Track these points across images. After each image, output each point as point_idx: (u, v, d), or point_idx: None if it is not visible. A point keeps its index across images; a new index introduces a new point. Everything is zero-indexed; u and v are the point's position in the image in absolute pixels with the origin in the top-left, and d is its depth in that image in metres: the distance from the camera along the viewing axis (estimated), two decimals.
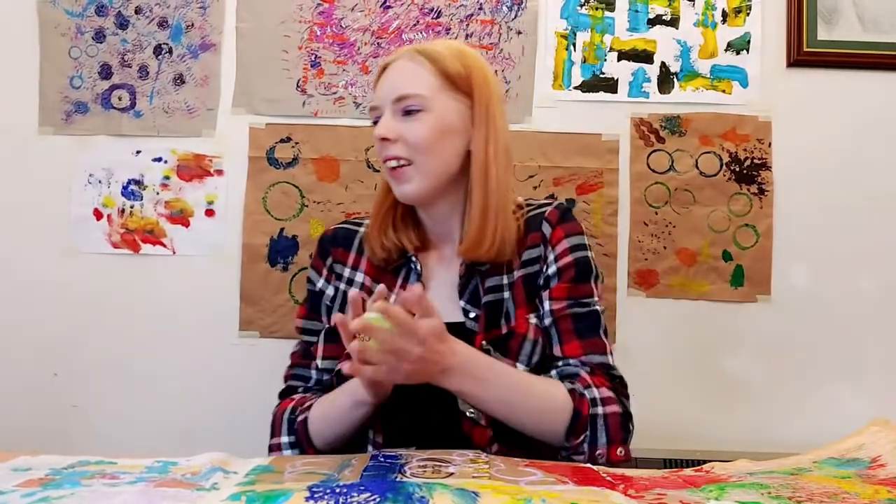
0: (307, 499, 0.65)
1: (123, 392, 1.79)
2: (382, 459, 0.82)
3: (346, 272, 1.19)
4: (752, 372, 1.79)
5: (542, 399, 1.02)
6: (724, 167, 1.82)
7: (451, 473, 0.76)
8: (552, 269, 1.11)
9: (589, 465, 0.85)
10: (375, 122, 1.12)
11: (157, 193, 1.82)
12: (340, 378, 1.10)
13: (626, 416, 1.05)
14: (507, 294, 1.11)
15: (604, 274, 1.80)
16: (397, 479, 0.72)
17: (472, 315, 1.10)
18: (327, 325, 1.19)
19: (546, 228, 1.14)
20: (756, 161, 1.82)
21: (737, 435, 1.76)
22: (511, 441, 1.03)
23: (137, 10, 1.84)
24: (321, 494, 0.66)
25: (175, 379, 1.79)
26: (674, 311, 1.80)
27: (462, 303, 1.11)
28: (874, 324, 1.79)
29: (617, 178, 1.82)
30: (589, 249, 1.15)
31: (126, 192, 1.82)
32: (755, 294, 1.80)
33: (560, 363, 1.08)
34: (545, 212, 1.16)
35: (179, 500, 0.67)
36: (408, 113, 1.08)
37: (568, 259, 1.11)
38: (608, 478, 0.76)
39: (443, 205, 1.15)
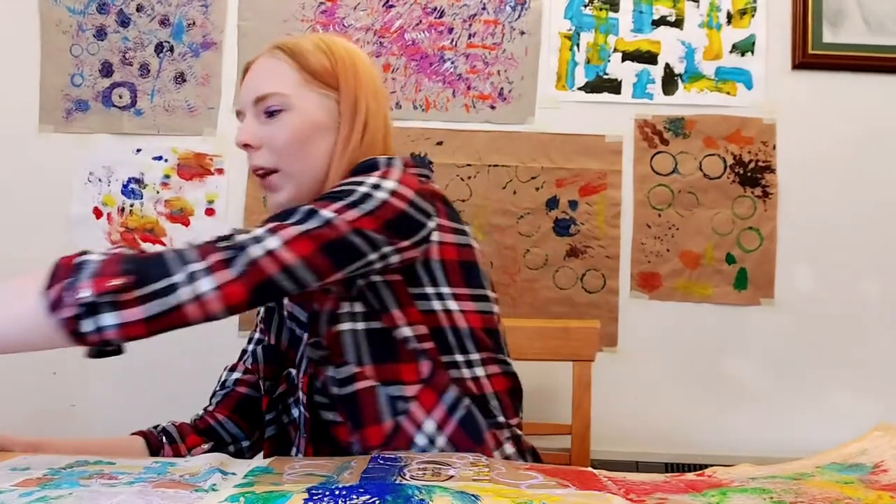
0: (306, 501, 0.65)
1: (122, 391, 1.78)
2: (382, 462, 0.82)
3: None
4: (755, 375, 1.79)
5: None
6: (728, 169, 1.81)
7: (451, 476, 0.75)
8: None
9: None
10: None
11: (158, 192, 1.82)
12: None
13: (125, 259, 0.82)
14: None
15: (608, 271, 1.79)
16: (397, 482, 0.72)
17: (297, 332, 1.05)
18: (257, 336, 1.19)
19: None
20: (760, 164, 1.81)
21: (739, 439, 1.75)
22: (362, 422, 0.95)
23: (139, 8, 1.84)
24: (320, 496, 0.65)
25: (174, 378, 1.78)
26: (677, 313, 1.79)
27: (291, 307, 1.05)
28: (878, 327, 1.79)
29: (620, 180, 1.82)
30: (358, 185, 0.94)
31: (126, 191, 1.82)
32: (759, 297, 1.79)
33: None
34: None
35: (178, 501, 0.67)
36: (270, 114, 1.00)
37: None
38: (609, 482, 0.75)
39: None
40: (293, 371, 1.07)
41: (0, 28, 1.85)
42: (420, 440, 0.93)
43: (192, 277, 0.79)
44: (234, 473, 0.78)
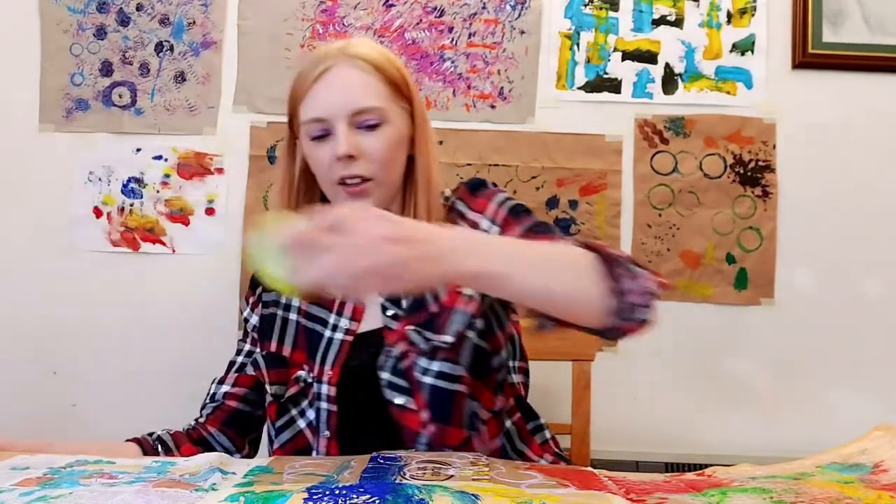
0: (306, 500, 0.64)
1: (122, 391, 1.78)
2: (382, 461, 0.82)
3: (283, 298, 1.13)
4: (755, 375, 1.79)
5: (558, 252, 0.83)
6: (728, 169, 1.81)
7: (451, 476, 0.75)
8: (495, 230, 1.05)
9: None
10: (319, 137, 1.03)
11: (158, 192, 1.82)
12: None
13: None
14: None
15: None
16: (397, 482, 0.72)
17: (390, 313, 1.04)
18: (248, 348, 1.17)
19: (461, 206, 1.09)
20: (760, 163, 1.81)
21: (739, 439, 1.75)
22: (449, 420, 0.98)
23: (139, 7, 1.83)
24: (320, 496, 0.65)
25: (175, 378, 1.78)
26: (677, 313, 1.79)
27: (382, 301, 1.06)
28: (878, 327, 1.79)
29: (620, 180, 1.82)
30: (514, 200, 1.09)
31: (126, 190, 1.82)
32: (759, 297, 1.79)
33: None
34: (458, 194, 1.12)
35: (178, 501, 0.67)
36: (367, 127, 1.02)
37: (503, 213, 1.06)
38: (609, 482, 0.75)
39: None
40: (302, 373, 1.07)
41: (0, 28, 1.85)
42: None
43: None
44: (233, 473, 0.78)
